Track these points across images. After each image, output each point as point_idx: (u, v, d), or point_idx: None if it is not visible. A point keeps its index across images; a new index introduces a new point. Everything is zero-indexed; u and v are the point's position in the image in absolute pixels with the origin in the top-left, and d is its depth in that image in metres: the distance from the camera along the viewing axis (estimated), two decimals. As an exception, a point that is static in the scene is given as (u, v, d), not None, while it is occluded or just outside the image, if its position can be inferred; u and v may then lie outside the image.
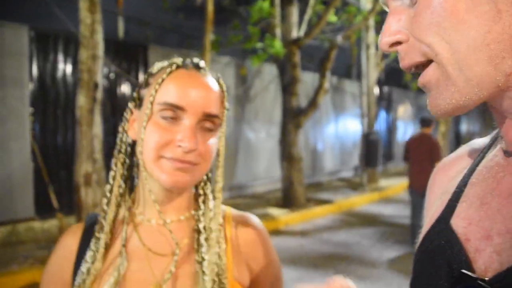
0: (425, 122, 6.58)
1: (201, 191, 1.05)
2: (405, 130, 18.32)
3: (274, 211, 8.38)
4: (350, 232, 7.52)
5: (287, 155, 8.75)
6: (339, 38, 8.71)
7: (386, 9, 0.61)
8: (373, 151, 11.67)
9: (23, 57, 6.53)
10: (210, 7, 7.21)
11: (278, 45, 8.10)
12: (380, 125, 15.46)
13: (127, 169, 1.03)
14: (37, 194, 6.62)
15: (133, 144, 1.02)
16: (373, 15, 9.69)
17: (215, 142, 0.98)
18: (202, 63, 1.00)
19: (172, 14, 10.70)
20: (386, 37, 0.59)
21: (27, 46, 6.59)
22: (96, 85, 5.13)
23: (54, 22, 7.02)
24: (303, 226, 7.89)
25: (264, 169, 10.81)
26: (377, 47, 12.48)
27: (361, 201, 10.25)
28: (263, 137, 10.84)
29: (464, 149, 0.79)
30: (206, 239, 0.99)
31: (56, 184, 6.61)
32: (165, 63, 1.00)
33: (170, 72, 0.95)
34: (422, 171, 6.05)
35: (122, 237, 0.97)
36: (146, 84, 0.99)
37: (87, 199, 5.13)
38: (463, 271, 0.57)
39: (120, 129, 1.02)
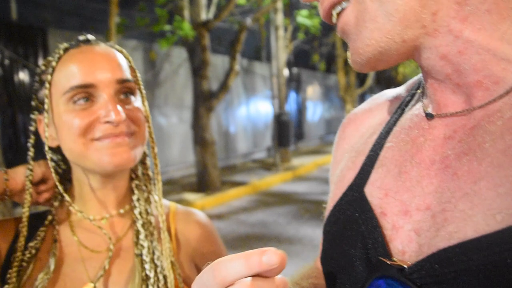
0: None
1: (138, 174, 0.98)
2: (315, 110, 18.88)
3: (190, 196, 8.31)
4: (266, 212, 7.64)
5: (200, 139, 8.68)
6: (248, 21, 8.71)
7: None
8: (284, 132, 11.91)
9: None
10: (114, -12, 6.88)
11: (187, 28, 7.94)
12: (291, 105, 15.80)
13: (57, 167, 0.95)
14: None
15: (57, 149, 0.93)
16: (280, -3, 9.78)
17: (139, 105, 0.91)
18: (90, 36, 0.92)
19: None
20: None
21: None
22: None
23: None
24: (220, 209, 7.90)
25: (178, 154, 10.66)
26: (286, 29, 12.69)
27: (275, 181, 10.45)
28: (175, 122, 10.66)
29: (375, 101, 0.71)
30: (147, 233, 0.92)
31: None
32: (50, 57, 0.91)
33: (59, 58, 0.87)
34: None
35: (54, 236, 0.90)
36: (41, 83, 0.90)
37: None
38: (381, 258, 0.50)
39: (31, 134, 0.93)
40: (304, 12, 11.13)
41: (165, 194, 8.56)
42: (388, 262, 0.49)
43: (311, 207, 7.91)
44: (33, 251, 0.88)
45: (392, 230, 0.52)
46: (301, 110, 17.60)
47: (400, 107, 0.63)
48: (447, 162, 0.50)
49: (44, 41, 7.61)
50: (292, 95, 16.58)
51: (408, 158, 0.54)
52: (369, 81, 17.91)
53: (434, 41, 0.49)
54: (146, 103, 0.95)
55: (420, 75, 0.62)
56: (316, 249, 5.60)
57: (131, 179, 0.98)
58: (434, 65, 0.52)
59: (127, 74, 0.89)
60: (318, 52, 17.14)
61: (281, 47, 12.19)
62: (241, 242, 6.01)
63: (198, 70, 8.62)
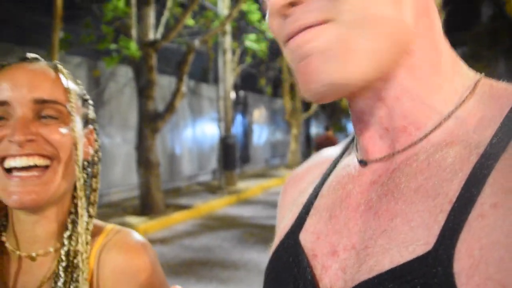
0: (327, 127, 11.66)
1: (71, 207, 0.88)
2: (261, 133, 19.02)
3: (132, 220, 8.05)
4: (211, 236, 7.52)
5: (144, 161, 8.47)
6: (196, 42, 8.68)
7: None
8: (230, 154, 11.89)
9: None
10: (59, 1, 6.66)
11: (133, 47, 7.79)
12: (237, 128, 15.83)
13: None
14: None
15: None
16: (229, 21, 9.84)
17: (68, 132, 0.82)
18: (30, 55, 0.87)
19: (9, 4, 9.71)
20: None
21: None
22: None
23: None
24: (163, 233, 7.69)
25: (120, 176, 10.35)
26: (233, 52, 12.77)
27: (220, 204, 10.35)
28: (118, 142, 10.38)
29: (314, 159, 0.76)
30: (66, 279, 0.82)
31: None
32: None
33: None
34: None
35: None
36: None
37: None
38: None
39: None
40: (252, 36, 11.27)
41: (107, 217, 8.25)
42: None
43: (256, 231, 7.86)
44: None
45: (322, 270, 0.55)
46: (247, 133, 17.66)
47: (335, 160, 0.67)
48: (370, 204, 0.54)
49: (-19, 54, 7.24)
50: (239, 118, 16.63)
51: (338, 203, 0.58)
52: (315, 106, 18.28)
53: (379, 84, 0.52)
54: (78, 126, 0.86)
55: (352, 133, 0.67)
56: (261, 274, 5.52)
57: (70, 212, 0.88)
58: (371, 106, 0.54)
59: (48, 95, 0.81)
60: (265, 76, 17.37)
61: (229, 70, 12.24)
62: (185, 267, 5.85)
63: (144, 90, 8.47)
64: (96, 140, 0.95)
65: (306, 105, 18.79)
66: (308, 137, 24.91)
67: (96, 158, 0.95)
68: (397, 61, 0.50)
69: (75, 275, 0.83)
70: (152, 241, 7.16)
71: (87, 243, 0.86)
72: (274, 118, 20.42)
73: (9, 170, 0.78)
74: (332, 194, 0.60)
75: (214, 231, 7.90)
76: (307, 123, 23.82)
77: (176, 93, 8.62)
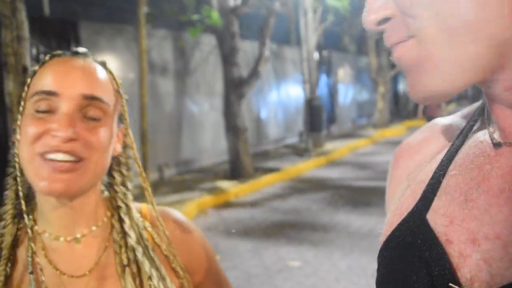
0: None
1: (117, 183, 0.92)
2: (346, 93, 18.64)
3: (223, 184, 8.34)
4: (300, 198, 7.61)
5: (232, 126, 8.68)
6: (276, 5, 8.60)
7: None
8: (316, 116, 11.80)
9: None
10: (142, -22, 6.88)
11: (215, 16, 7.89)
12: (322, 89, 15.63)
13: (24, 184, 0.87)
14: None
15: None
16: (308, -20, 9.62)
17: (107, 133, 0.83)
18: (81, 49, 0.88)
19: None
20: (372, 15, 0.50)
21: None
22: (25, 69, 4.79)
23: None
24: (253, 196, 7.91)
25: (210, 142, 10.70)
26: (315, 12, 12.50)
27: (308, 166, 10.39)
28: (206, 109, 10.69)
29: (430, 130, 0.70)
30: (143, 249, 0.87)
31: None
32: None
33: (43, 64, 0.84)
34: None
35: (28, 263, 0.82)
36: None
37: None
38: (451, 285, 0.49)
39: (12, 142, 0.87)
40: (333, -7, 10.93)
41: (198, 181, 8.63)
42: None
43: (345, 193, 7.84)
44: (7, 271, 0.82)
45: (459, 258, 0.51)
46: (332, 93, 17.39)
47: (461, 135, 0.61)
48: None
49: (76, 34, 7.70)
50: (323, 79, 16.39)
51: (474, 186, 0.53)
52: (402, 62, 17.50)
53: (498, 76, 0.48)
54: (129, 130, 0.89)
55: (480, 102, 0.61)
56: (350, 236, 5.54)
57: (110, 190, 0.93)
58: (498, 94, 0.50)
59: (100, 93, 0.82)
60: (349, 33, 16.86)
61: (311, 30, 12.02)
62: (276, 229, 6.01)
63: (228, 57, 8.59)
64: (125, 136, 0.94)
65: (393, 62, 18.07)
66: (396, 95, 24.03)
67: (123, 158, 0.94)
68: (504, 56, 0.46)
69: (146, 244, 0.88)
70: (243, 204, 7.41)
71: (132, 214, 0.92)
72: (360, 77, 19.88)
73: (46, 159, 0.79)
74: (464, 173, 0.55)
75: (302, 193, 7.99)
76: (394, 81, 22.93)
77: (259, 57, 8.66)
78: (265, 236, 5.77)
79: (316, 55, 12.46)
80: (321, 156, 11.32)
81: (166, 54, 9.61)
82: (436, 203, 0.56)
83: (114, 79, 0.87)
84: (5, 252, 0.84)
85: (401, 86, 25.19)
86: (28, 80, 0.83)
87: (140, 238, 0.89)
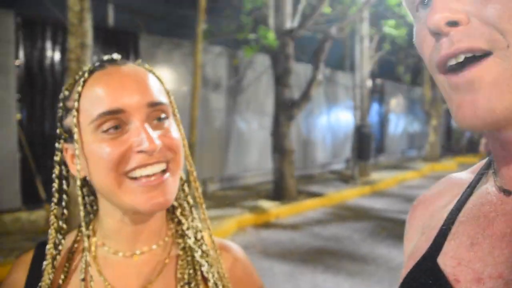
0: None
1: (181, 202, 0.91)
2: (397, 123, 18.32)
3: (265, 204, 8.31)
4: (341, 226, 7.47)
5: (279, 147, 8.67)
6: (333, 30, 8.60)
7: None
8: (365, 144, 11.63)
9: (9, 43, 6.37)
10: (203, -4, 7.06)
11: (271, 36, 7.98)
12: (373, 117, 15.42)
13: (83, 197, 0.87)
14: (24, 184, 6.49)
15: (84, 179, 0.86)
16: (367, 7, 9.58)
17: (177, 133, 0.82)
18: (115, 55, 0.84)
19: (163, 1, 10.51)
20: (445, 13, 0.49)
21: (13, 33, 6.42)
22: (84, 75, 4.99)
23: (40, 8, 6.84)
24: (294, 219, 7.83)
25: (256, 161, 10.73)
26: (371, 39, 12.41)
27: (352, 194, 10.21)
28: (255, 128, 10.75)
29: (444, 183, 0.77)
30: (212, 268, 0.86)
31: (44, 174, 6.48)
32: (74, 80, 0.83)
33: (85, 82, 0.79)
34: None
35: (81, 272, 0.82)
36: (66, 110, 0.82)
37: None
38: None
39: (55, 164, 0.86)
40: (391, 22, 10.83)
41: (242, 199, 8.64)
42: None
43: (388, 225, 7.63)
44: (60, 283, 0.82)
45: None
46: (383, 122, 17.13)
47: (469, 186, 0.67)
48: None
49: (136, 45, 7.97)
50: (375, 107, 16.18)
51: (480, 231, 0.58)
52: (458, 96, 17.05)
53: None
54: (181, 126, 0.87)
55: (486, 159, 0.67)
56: (391, 271, 5.37)
57: (173, 208, 0.91)
58: None
59: (159, 96, 0.80)
60: (404, 63, 16.62)
61: (366, 57, 11.94)
62: (314, 255, 5.91)
63: (280, 78, 8.63)
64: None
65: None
66: (448, 129, 23.38)
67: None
68: None
69: (212, 262, 0.87)
70: (283, 226, 7.34)
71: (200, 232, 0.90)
72: (412, 108, 19.50)
73: (132, 177, 0.77)
74: (472, 220, 0.60)
75: (344, 221, 7.83)
76: (448, 114, 22.33)
77: (312, 81, 8.66)
78: (302, 261, 5.68)
79: (369, 83, 12.34)
80: (367, 185, 11.11)
81: (220, 71, 9.77)
82: (446, 247, 0.62)
83: (158, 77, 0.85)
84: (60, 262, 0.84)
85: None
86: (75, 104, 0.78)
87: (205, 255, 0.88)
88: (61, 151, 0.85)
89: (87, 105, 0.78)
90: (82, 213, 0.82)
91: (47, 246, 0.83)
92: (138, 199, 0.77)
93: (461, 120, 0.51)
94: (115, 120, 0.76)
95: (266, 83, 10.64)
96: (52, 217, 0.85)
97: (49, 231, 0.85)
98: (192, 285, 0.84)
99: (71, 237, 0.88)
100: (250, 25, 8.42)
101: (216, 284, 0.86)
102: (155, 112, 0.79)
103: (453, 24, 0.49)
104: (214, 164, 9.58)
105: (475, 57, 0.48)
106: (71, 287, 0.83)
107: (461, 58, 0.49)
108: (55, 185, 0.86)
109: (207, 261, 0.87)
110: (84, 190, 0.87)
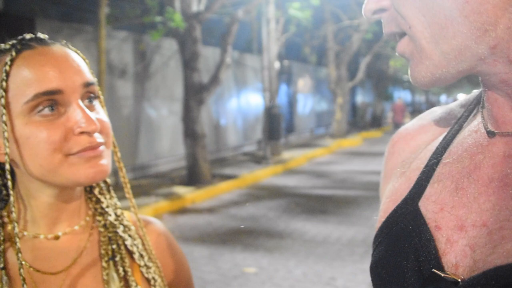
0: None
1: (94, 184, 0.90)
2: (305, 103, 18.88)
3: (180, 190, 8.26)
4: (257, 206, 7.63)
5: (190, 132, 8.62)
6: (240, 12, 8.64)
7: None
8: (275, 124, 11.89)
9: None
10: (103, -22, 6.77)
11: (178, 19, 7.85)
12: (281, 98, 15.77)
13: None
14: None
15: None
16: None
17: (103, 111, 0.82)
18: (41, 35, 0.81)
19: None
20: (371, 4, 0.56)
21: None
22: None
23: None
24: (210, 203, 7.87)
25: (167, 147, 10.60)
26: (277, 21, 12.62)
27: (266, 174, 10.44)
28: (165, 114, 10.58)
29: (428, 117, 0.73)
30: (111, 242, 0.86)
31: None
32: None
33: (12, 61, 0.75)
34: None
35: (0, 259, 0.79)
36: None
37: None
38: (434, 271, 0.52)
39: None
40: (296, 4, 11.07)
41: (155, 187, 8.52)
42: (442, 275, 0.51)
43: (302, 201, 7.91)
44: None
45: (446, 244, 0.53)
46: (291, 102, 17.58)
47: (457, 123, 0.64)
48: (506, 181, 0.52)
49: (32, 31, 7.45)
50: (283, 88, 16.55)
51: (466, 174, 0.56)
52: (360, 75, 17.92)
53: (493, 69, 0.51)
54: (105, 108, 0.86)
55: (479, 91, 0.64)
56: (306, 243, 5.59)
57: (91, 188, 0.91)
58: (493, 85, 0.53)
59: (90, 76, 0.80)
60: (309, 44, 17.12)
61: (273, 40, 12.13)
62: (232, 236, 5.99)
63: (189, 62, 8.55)
64: None
65: (352, 74, 18.46)
66: (354, 106, 24.52)
67: None
68: (495, 47, 0.49)
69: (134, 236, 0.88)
70: (200, 210, 7.35)
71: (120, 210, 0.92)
72: (319, 87, 20.20)
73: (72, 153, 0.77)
74: (457, 162, 0.57)
75: (259, 201, 8.01)
76: (352, 92, 23.41)
77: (220, 64, 8.66)
78: (221, 242, 5.74)
79: (277, 64, 12.58)
80: (279, 164, 11.40)
81: (126, 56, 9.47)
82: (429, 190, 0.59)
83: (83, 58, 0.84)
84: None
85: (359, 98, 25.74)
86: (3, 84, 0.74)
87: (127, 229, 0.89)
88: None
89: (18, 85, 0.74)
90: (11, 198, 0.79)
91: None
92: (81, 171, 0.76)
93: (413, 82, 0.56)
94: (50, 101, 0.74)
95: (174, 67, 10.48)
96: None
97: None
98: (117, 258, 0.85)
99: None
100: (156, 8, 8.22)
101: (141, 255, 0.87)
102: (87, 93, 0.79)
103: (380, 11, 0.56)
104: (125, 153, 9.33)
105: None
106: None
107: (395, 37, 0.56)
108: None
109: (129, 235, 0.89)
110: None
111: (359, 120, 23.71)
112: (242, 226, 6.39)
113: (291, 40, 15.00)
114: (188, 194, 7.98)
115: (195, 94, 8.56)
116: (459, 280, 0.50)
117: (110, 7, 7.55)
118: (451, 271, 0.51)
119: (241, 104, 14.00)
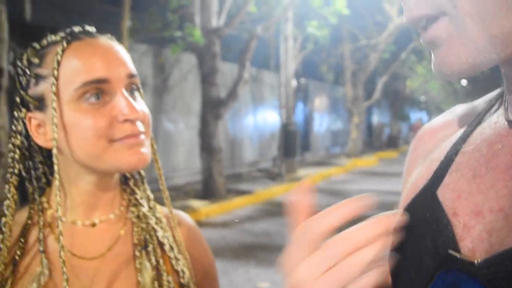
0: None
1: (133, 173, 0.94)
2: (321, 121, 18.86)
3: (194, 203, 8.27)
4: (271, 222, 7.59)
5: (207, 146, 8.65)
6: (258, 29, 8.71)
7: None
8: (291, 142, 11.88)
9: None
10: (127, -8, 6.89)
11: (198, 34, 7.94)
12: (298, 116, 15.79)
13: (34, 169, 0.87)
14: None
15: (42, 149, 0.86)
16: (291, 8, 9.79)
17: (143, 103, 0.86)
18: (89, 28, 0.86)
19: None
20: None
21: None
22: (1, 71, 4.72)
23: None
24: (224, 217, 7.85)
25: (183, 161, 10.64)
26: (295, 39, 12.69)
27: (280, 191, 10.40)
28: (182, 128, 10.65)
29: (451, 114, 0.73)
30: (166, 232, 0.90)
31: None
32: (44, 45, 0.83)
33: (63, 51, 0.79)
34: None
35: (40, 244, 0.82)
36: (37, 78, 0.81)
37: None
38: (451, 251, 0.52)
39: (15, 134, 0.84)
40: (314, 22, 11.14)
41: (171, 199, 8.51)
42: (458, 256, 0.52)
43: (316, 218, 7.84)
44: (16, 259, 0.81)
45: (463, 229, 0.54)
46: (307, 120, 17.58)
47: (478, 117, 0.64)
48: None
49: (55, 43, 7.62)
50: (300, 106, 16.57)
51: (483, 163, 0.56)
52: (377, 94, 17.88)
53: None
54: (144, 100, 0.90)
55: (500, 89, 0.64)
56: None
57: (126, 179, 0.94)
58: None
59: (134, 68, 0.84)
60: (327, 63, 17.16)
61: (290, 57, 12.19)
62: (246, 251, 5.96)
63: (207, 77, 8.62)
64: None
65: (368, 93, 18.43)
66: (369, 126, 24.42)
67: None
68: None
69: (166, 228, 0.92)
70: (214, 225, 7.33)
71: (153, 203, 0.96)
72: (335, 106, 20.19)
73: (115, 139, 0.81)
74: (476, 152, 0.58)
75: (274, 217, 7.96)
76: (369, 112, 23.34)
77: (238, 80, 8.71)
78: (235, 257, 5.71)
79: (294, 82, 12.62)
80: (294, 181, 11.35)
81: (146, 70, 9.59)
82: (447, 179, 0.59)
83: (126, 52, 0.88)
84: (14, 239, 0.82)
85: (375, 118, 25.66)
86: (55, 72, 0.77)
87: (159, 221, 0.92)
88: (23, 121, 0.84)
89: (68, 74, 0.78)
90: (57, 182, 0.81)
91: (4, 219, 0.82)
92: (124, 158, 0.80)
93: (435, 72, 0.53)
94: (97, 90, 0.78)
95: (193, 82, 10.57)
96: (11, 188, 0.83)
97: (6, 202, 0.83)
98: (150, 248, 0.87)
99: (22, 213, 0.87)
100: (177, 23, 8.33)
101: (172, 247, 0.90)
102: (130, 84, 0.83)
103: None
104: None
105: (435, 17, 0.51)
106: (29, 261, 0.82)
107: (421, 24, 0.52)
108: (16, 155, 0.84)
109: (161, 227, 0.91)
110: (39, 160, 0.87)
111: (375, 140, 23.60)
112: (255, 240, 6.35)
113: (309, 58, 15.05)
114: (202, 208, 7.97)
115: (212, 108, 8.61)
116: (475, 261, 0.50)
117: (132, 21, 7.67)
118: (467, 254, 0.52)
119: (257, 121, 14.03)
